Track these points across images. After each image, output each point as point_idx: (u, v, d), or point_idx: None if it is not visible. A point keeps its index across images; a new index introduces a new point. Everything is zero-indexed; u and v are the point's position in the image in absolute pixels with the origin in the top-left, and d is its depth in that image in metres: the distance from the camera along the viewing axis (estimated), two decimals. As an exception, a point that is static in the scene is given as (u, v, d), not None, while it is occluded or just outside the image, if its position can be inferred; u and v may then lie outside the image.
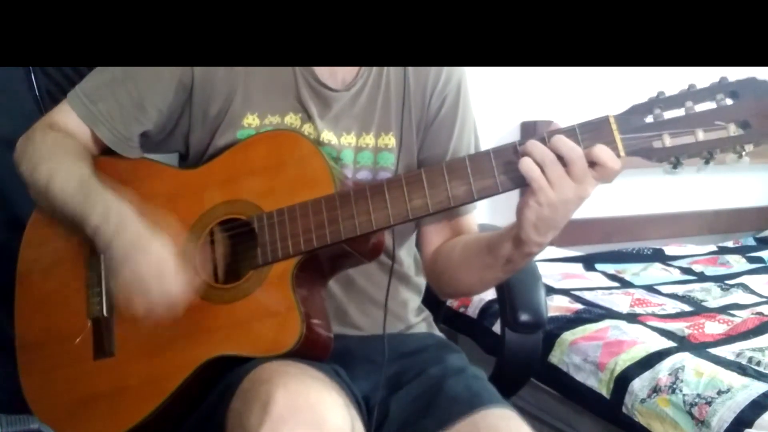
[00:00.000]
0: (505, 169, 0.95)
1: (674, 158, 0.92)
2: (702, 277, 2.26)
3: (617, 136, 0.92)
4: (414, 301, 1.25)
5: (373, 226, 0.99)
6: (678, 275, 2.28)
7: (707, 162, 0.92)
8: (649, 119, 0.92)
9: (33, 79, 1.31)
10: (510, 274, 1.08)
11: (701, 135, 0.90)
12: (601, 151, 0.90)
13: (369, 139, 1.14)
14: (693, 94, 0.91)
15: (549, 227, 0.94)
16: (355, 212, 0.99)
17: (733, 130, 0.89)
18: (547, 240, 0.96)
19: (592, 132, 0.92)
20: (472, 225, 1.19)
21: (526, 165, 0.91)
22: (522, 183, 0.94)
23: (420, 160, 1.18)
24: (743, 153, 0.90)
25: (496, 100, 2.23)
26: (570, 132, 0.92)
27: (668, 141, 0.91)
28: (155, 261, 0.97)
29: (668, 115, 0.91)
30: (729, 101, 0.89)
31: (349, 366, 1.05)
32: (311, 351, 0.99)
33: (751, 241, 2.66)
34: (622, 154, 0.92)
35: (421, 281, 1.27)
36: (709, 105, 0.90)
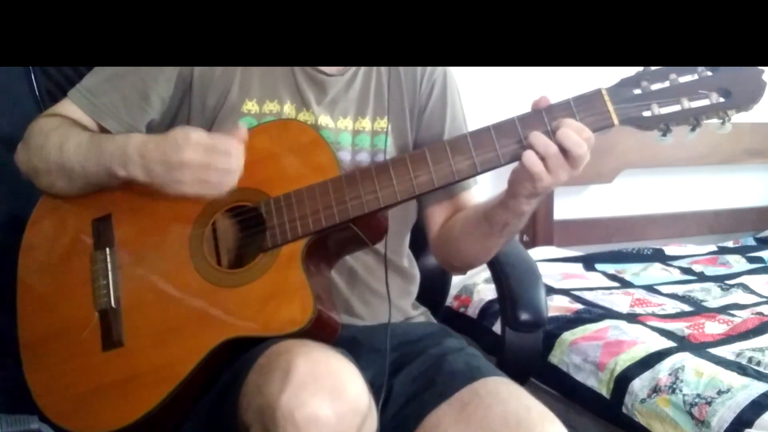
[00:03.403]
0: (506, 142, 0.99)
1: (664, 125, 0.97)
2: (702, 277, 2.26)
3: (610, 106, 0.97)
4: (409, 294, 1.27)
5: (380, 203, 1.01)
6: (678, 275, 2.28)
7: (694, 129, 0.98)
8: (638, 91, 0.97)
9: (33, 79, 1.31)
10: (510, 237, 1.13)
11: (686, 103, 0.96)
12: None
13: (365, 123, 1.17)
14: (676, 68, 0.97)
15: (541, 196, 1.01)
16: (362, 191, 1.01)
17: (715, 98, 0.95)
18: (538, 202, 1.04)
19: (586, 104, 0.98)
20: (472, 200, 1.22)
21: (530, 159, 0.96)
22: (521, 155, 0.98)
23: (418, 144, 1.21)
24: (726, 119, 0.96)
25: (496, 100, 2.23)
26: (565, 105, 0.98)
27: (657, 110, 0.97)
28: (189, 147, 0.97)
29: (655, 87, 0.97)
30: (709, 73, 0.96)
31: (355, 355, 1.06)
32: (321, 332, 0.99)
33: (751, 241, 2.66)
34: (616, 122, 0.97)
35: (415, 274, 1.29)
36: (691, 77, 0.97)
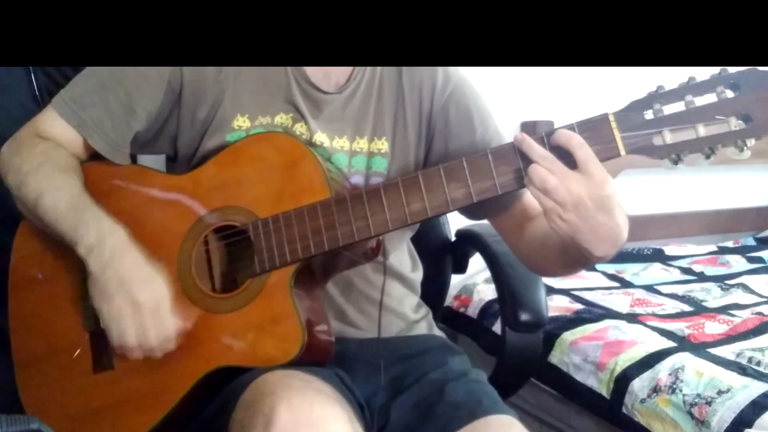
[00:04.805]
0: (503, 170, 0.94)
1: (675, 155, 0.90)
2: (702, 277, 2.26)
3: (617, 135, 0.91)
4: (411, 298, 1.24)
5: (371, 231, 0.98)
6: (678, 275, 2.28)
7: (708, 157, 0.90)
8: (649, 115, 0.90)
9: (33, 79, 1.31)
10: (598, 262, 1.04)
11: (702, 130, 0.88)
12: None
13: (363, 144, 1.13)
14: (693, 87, 0.89)
15: (592, 236, 0.92)
16: (352, 217, 0.98)
17: (734, 123, 0.87)
18: (606, 249, 0.94)
19: (592, 131, 0.91)
20: (535, 203, 1.13)
21: (534, 169, 0.90)
22: (521, 184, 0.94)
23: (434, 162, 1.14)
24: (745, 147, 0.88)
25: (496, 100, 2.22)
26: (569, 130, 0.91)
27: (669, 137, 0.90)
28: (153, 295, 0.96)
29: (668, 110, 0.90)
30: (730, 93, 0.88)
31: (350, 369, 1.05)
32: (313, 357, 0.99)
33: (751, 241, 2.65)
34: (622, 153, 0.91)
35: (417, 277, 1.26)
36: (709, 98, 0.88)
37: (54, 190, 1.01)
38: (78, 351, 1.04)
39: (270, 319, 0.99)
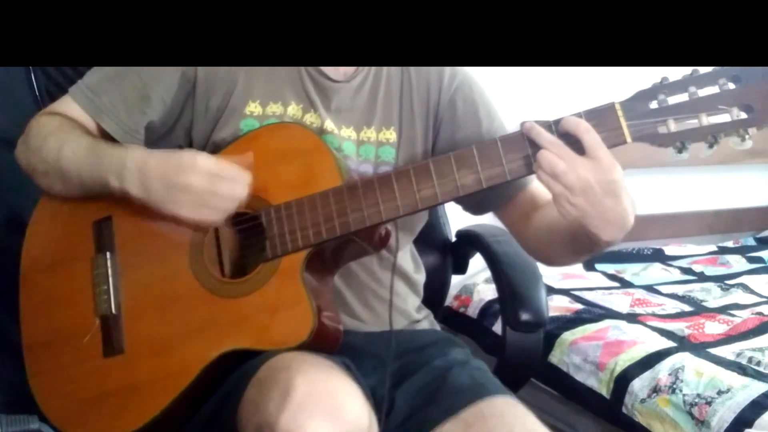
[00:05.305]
0: (512, 157, 0.96)
1: (679, 143, 0.93)
2: (702, 277, 2.26)
3: (623, 123, 0.93)
4: (413, 298, 1.25)
5: (382, 217, 0.99)
6: (678, 275, 2.29)
7: (711, 146, 0.93)
8: (654, 105, 0.93)
9: (33, 79, 1.31)
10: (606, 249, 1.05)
11: (705, 119, 0.91)
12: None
13: (371, 133, 1.15)
14: (696, 79, 0.92)
15: (599, 220, 0.93)
16: (364, 204, 1.00)
17: (736, 113, 0.90)
18: (614, 234, 0.96)
19: (598, 119, 0.93)
20: (541, 191, 1.15)
21: (543, 155, 0.92)
22: (530, 170, 0.96)
23: (442, 152, 1.15)
24: (746, 136, 0.91)
25: (496, 100, 2.22)
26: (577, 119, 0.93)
27: (673, 126, 0.92)
28: (198, 172, 0.97)
29: (672, 100, 0.92)
30: (731, 85, 0.90)
31: (357, 361, 1.05)
32: (322, 343, 0.99)
33: (751, 241, 2.66)
34: (628, 140, 0.93)
35: (420, 279, 1.27)
36: (712, 90, 0.91)
37: (74, 140, 1.04)
38: (89, 335, 1.05)
39: (281, 303, 0.99)
